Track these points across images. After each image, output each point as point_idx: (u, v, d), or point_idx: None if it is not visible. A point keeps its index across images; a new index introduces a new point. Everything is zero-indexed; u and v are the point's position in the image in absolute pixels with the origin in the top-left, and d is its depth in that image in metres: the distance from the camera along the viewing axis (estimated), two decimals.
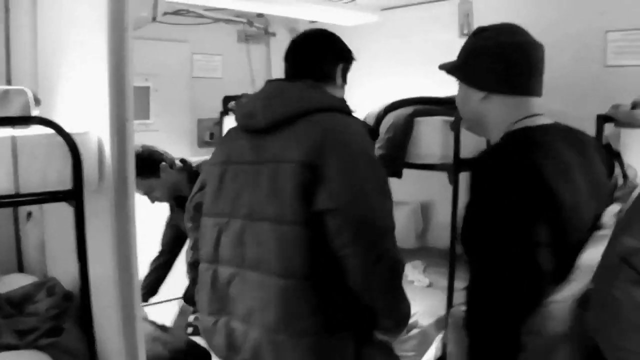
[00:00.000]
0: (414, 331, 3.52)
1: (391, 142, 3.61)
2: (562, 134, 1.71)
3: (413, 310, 2.27)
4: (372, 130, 3.12)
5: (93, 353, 2.08)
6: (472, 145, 3.35)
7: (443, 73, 1.95)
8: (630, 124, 3.16)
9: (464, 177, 3.40)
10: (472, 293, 1.63)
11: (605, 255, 1.41)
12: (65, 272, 2.51)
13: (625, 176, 1.67)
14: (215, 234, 2.20)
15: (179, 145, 4.86)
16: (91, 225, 2.00)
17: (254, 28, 5.89)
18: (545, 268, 1.51)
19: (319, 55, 2.30)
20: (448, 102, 3.28)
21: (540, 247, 1.52)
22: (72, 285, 2.42)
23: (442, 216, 4.50)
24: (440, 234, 4.72)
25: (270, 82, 2.30)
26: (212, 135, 5.53)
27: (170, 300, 5.25)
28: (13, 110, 2.11)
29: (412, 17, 4.93)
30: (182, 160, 3.46)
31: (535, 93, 1.79)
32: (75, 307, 2.35)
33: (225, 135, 2.44)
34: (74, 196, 1.95)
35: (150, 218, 4.13)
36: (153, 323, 3.38)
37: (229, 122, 5.25)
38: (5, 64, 2.83)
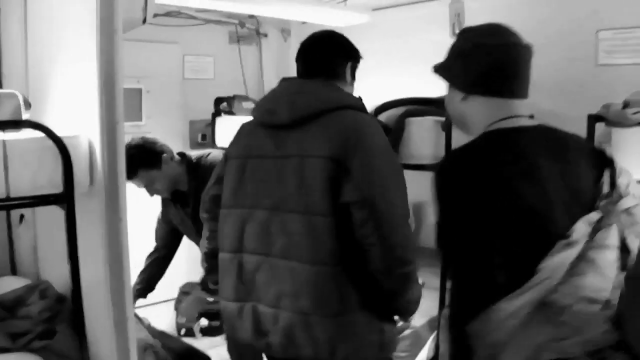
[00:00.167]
0: (407, 332, 3.53)
1: None
2: (539, 137, 1.68)
3: None
4: (384, 127, 3.18)
5: (85, 356, 2.08)
6: None
7: (434, 73, 1.97)
8: (621, 123, 3.17)
9: None
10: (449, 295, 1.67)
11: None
12: (58, 275, 2.51)
13: (613, 184, 1.60)
14: (239, 225, 2.35)
15: (171, 147, 4.84)
16: (82, 228, 2.00)
17: (245, 29, 5.89)
18: (499, 271, 1.50)
19: (330, 55, 2.47)
20: (439, 102, 3.27)
21: (495, 250, 1.50)
22: (64, 288, 2.42)
23: (434, 216, 4.51)
24: (433, 234, 4.72)
25: (286, 80, 2.47)
26: (204, 137, 5.53)
27: (165, 301, 5.27)
28: (3, 114, 2.10)
29: (403, 17, 4.93)
30: (181, 154, 3.45)
31: (516, 95, 1.74)
32: (68, 309, 2.34)
33: (240, 130, 2.54)
34: (65, 199, 1.95)
35: (142, 215, 4.14)
36: (149, 327, 3.37)
37: (221, 123, 5.25)
38: None
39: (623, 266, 1.47)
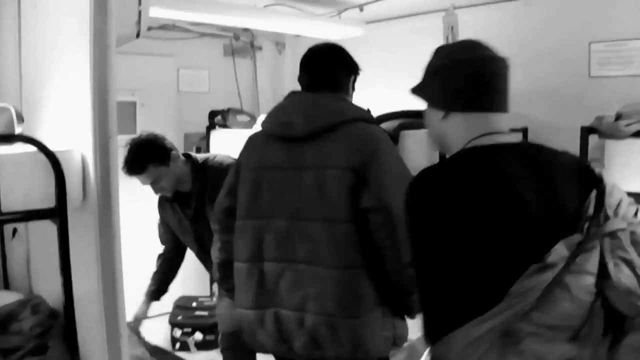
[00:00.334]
0: (403, 345, 3.51)
1: None
2: (519, 155, 1.61)
3: None
4: (390, 136, 3.24)
5: None
6: None
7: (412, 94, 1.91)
8: (614, 135, 3.17)
9: None
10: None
11: None
12: (50, 290, 2.49)
13: (599, 205, 1.50)
14: (257, 235, 2.44)
15: None
16: (75, 243, 1.99)
17: (240, 42, 5.91)
18: (468, 294, 1.44)
19: (335, 68, 2.58)
20: None
21: (464, 272, 1.45)
22: (57, 303, 2.40)
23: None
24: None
25: (296, 94, 2.59)
26: (198, 150, 5.52)
27: (159, 315, 5.25)
28: None
29: (397, 30, 4.96)
30: (186, 155, 3.42)
31: (497, 108, 1.70)
32: (61, 325, 2.32)
33: (250, 142, 2.63)
34: (58, 214, 1.94)
35: (137, 230, 4.12)
36: (145, 344, 3.35)
37: (216, 136, 5.25)
38: None
39: (599, 292, 1.39)
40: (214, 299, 4.01)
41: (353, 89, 2.64)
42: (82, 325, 2.10)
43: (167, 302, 5.10)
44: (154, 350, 3.26)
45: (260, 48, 6.18)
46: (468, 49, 1.73)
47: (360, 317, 2.32)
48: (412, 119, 3.79)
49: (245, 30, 5.79)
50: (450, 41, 4.48)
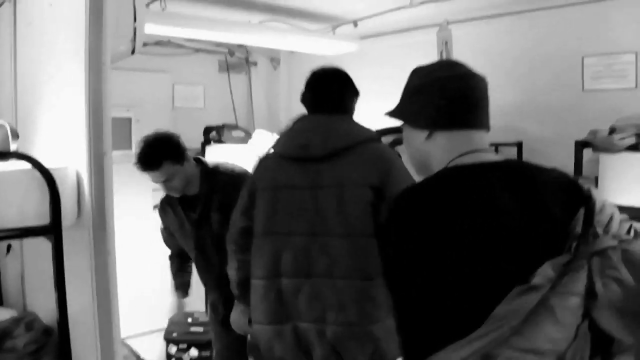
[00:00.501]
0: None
1: None
2: (503, 174, 1.54)
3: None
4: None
5: None
6: None
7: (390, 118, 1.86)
8: (608, 149, 3.18)
9: None
10: None
11: None
12: (45, 306, 2.49)
13: (588, 223, 1.43)
14: (274, 252, 2.52)
15: None
16: (70, 260, 1.98)
17: (235, 58, 5.92)
18: (448, 318, 1.38)
19: (344, 92, 2.69)
20: None
21: (444, 294, 1.39)
22: (51, 319, 2.40)
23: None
24: None
25: (308, 117, 2.66)
26: None
27: (154, 331, 5.24)
28: None
29: (391, 45, 4.98)
30: (196, 159, 3.40)
31: (480, 125, 1.65)
32: (55, 342, 2.32)
33: (263, 164, 2.70)
34: (52, 231, 1.94)
35: (131, 246, 4.12)
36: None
37: (211, 151, 5.25)
38: None
39: (586, 314, 1.32)
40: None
41: (354, 110, 2.75)
42: (76, 342, 2.09)
43: (162, 318, 5.09)
44: None
45: (255, 64, 6.19)
46: (447, 67, 1.71)
47: (378, 322, 2.41)
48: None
49: (240, 46, 5.80)
50: (445, 56, 4.50)
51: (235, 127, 5.65)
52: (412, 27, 4.85)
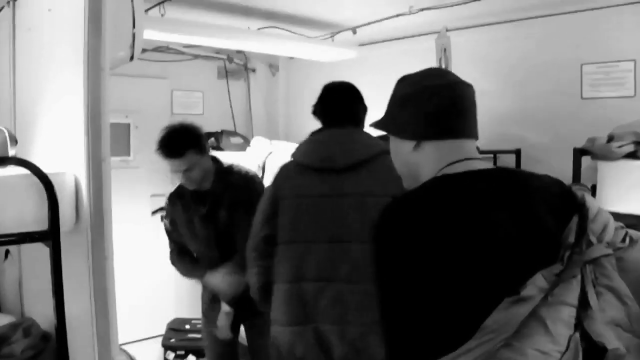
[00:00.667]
0: None
1: None
2: (494, 182, 1.51)
3: None
4: None
5: None
6: None
7: (375, 129, 1.85)
8: (606, 156, 3.18)
9: None
10: None
11: None
12: (43, 312, 2.48)
13: (581, 231, 1.40)
14: (298, 257, 2.62)
15: (159, 182, 4.84)
16: (68, 265, 1.98)
17: (234, 64, 5.92)
18: (437, 330, 1.34)
19: (357, 106, 2.84)
20: None
21: (433, 306, 1.35)
22: (49, 325, 2.39)
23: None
24: None
25: (328, 130, 2.77)
26: None
27: (152, 337, 5.23)
28: None
29: (389, 52, 4.98)
30: (212, 157, 3.40)
31: (468, 134, 1.61)
32: (52, 348, 2.31)
33: (284, 174, 2.80)
34: (51, 237, 1.94)
35: (129, 252, 4.11)
36: None
37: None
38: None
39: (578, 324, 1.28)
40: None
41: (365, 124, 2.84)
42: (74, 347, 2.09)
43: (160, 325, 5.09)
44: None
45: (254, 70, 6.19)
46: (434, 76, 1.66)
47: None
48: None
49: (239, 52, 5.80)
50: (443, 63, 4.51)
51: (234, 133, 5.65)
52: (410, 35, 4.85)
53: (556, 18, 3.96)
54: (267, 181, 4.71)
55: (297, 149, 2.84)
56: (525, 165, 3.84)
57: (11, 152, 2.18)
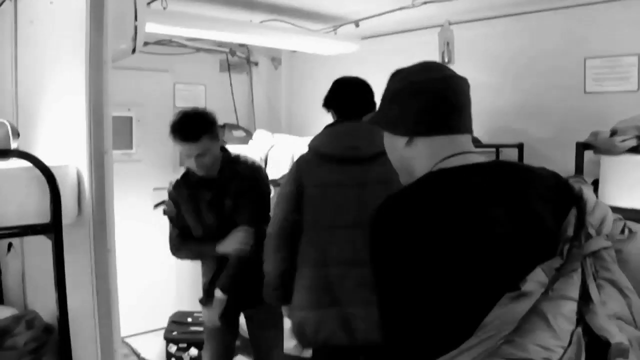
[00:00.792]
0: None
1: None
2: (491, 175, 1.49)
3: None
4: None
5: None
6: None
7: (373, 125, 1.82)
8: (609, 151, 3.17)
9: None
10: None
11: None
12: (45, 305, 2.49)
13: (580, 224, 1.38)
14: (323, 243, 2.78)
15: (161, 175, 4.84)
16: (70, 258, 1.98)
17: (236, 58, 5.91)
18: (437, 328, 1.32)
19: (371, 100, 2.98)
20: None
21: (433, 304, 1.33)
22: (52, 318, 2.40)
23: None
24: None
25: (348, 123, 2.92)
26: None
27: (154, 330, 5.24)
28: None
29: (392, 46, 4.97)
30: (221, 147, 3.40)
31: (462, 130, 1.58)
32: (55, 340, 2.32)
33: (305, 164, 2.94)
34: (53, 229, 1.94)
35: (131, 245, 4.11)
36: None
37: None
38: None
39: (580, 319, 1.26)
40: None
41: None
42: (76, 340, 2.09)
43: (162, 318, 5.10)
44: None
45: (256, 63, 6.19)
46: (426, 70, 1.63)
47: None
48: None
49: (242, 45, 5.79)
50: (446, 57, 4.50)
51: (236, 126, 5.65)
52: (413, 28, 4.84)
53: (561, 12, 3.95)
54: (270, 174, 4.73)
55: (316, 140, 2.98)
56: (528, 160, 3.84)
57: (13, 144, 2.18)
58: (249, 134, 5.51)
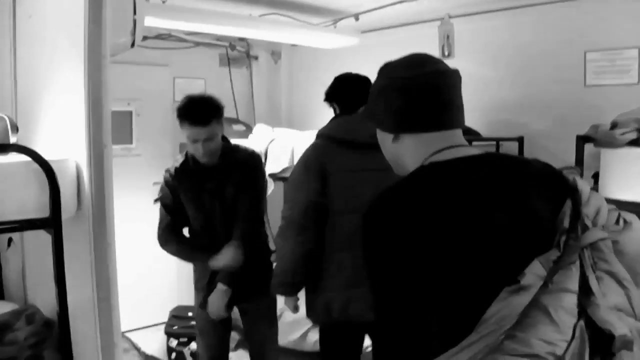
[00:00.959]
0: None
1: None
2: (484, 168, 1.47)
3: None
4: None
5: None
6: None
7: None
8: (609, 144, 3.17)
9: None
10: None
11: None
12: (45, 299, 2.49)
13: (576, 215, 1.36)
14: (349, 226, 2.85)
15: (161, 170, 4.82)
16: (70, 252, 1.98)
17: (236, 52, 5.90)
18: (435, 325, 1.31)
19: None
20: None
21: (430, 300, 1.30)
22: (52, 312, 2.40)
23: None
24: None
25: (353, 115, 3.04)
26: None
27: (155, 325, 5.24)
28: None
29: (392, 39, 4.96)
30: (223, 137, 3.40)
31: (449, 125, 1.55)
32: (55, 335, 2.32)
33: (324, 150, 3.04)
34: (52, 224, 1.93)
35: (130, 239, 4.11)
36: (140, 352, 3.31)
37: None
38: None
39: (582, 312, 1.24)
40: None
41: None
42: (76, 334, 2.09)
43: (163, 312, 5.10)
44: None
45: (256, 57, 6.18)
46: (412, 65, 1.58)
47: None
48: None
49: (241, 39, 5.78)
50: (446, 50, 4.50)
51: (236, 120, 5.64)
52: (413, 21, 4.84)
53: (561, 5, 3.95)
54: (270, 168, 4.72)
55: (329, 129, 3.10)
56: (528, 153, 3.83)
57: (12, 139, 2.18)
58: (248, 128, 5.51)
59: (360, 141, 2.90)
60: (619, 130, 3.13)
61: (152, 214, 3.49)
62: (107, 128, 1.99)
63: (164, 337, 4.91)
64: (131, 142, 5.30)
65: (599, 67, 3.85)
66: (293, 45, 5.77)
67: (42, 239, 2.08)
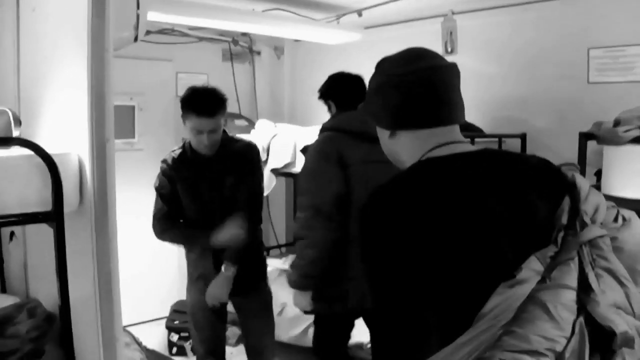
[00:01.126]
0: None
1: None
2: (482, 164, 1.46)
3: None
4: None
5: None
6: None
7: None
8: (612, 141, 3.16)
9: None
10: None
11: None
12: (47, 293, 2.49)
13: (574, 212, 1.35)
14: None
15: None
16: (72, 246, 1.98)
17: (239, 47, 5.90)
18: (432, 322, 1.30)
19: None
20: None
21: (427, 297, 1.29)
22: (54, 306, 2.40)
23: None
24: None
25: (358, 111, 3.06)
26: None
27: (156, 319, 5.25)
28: None
29: (395, 35, 4.95)
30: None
31: (446, 122, 1.54)
32: (57, 329, 2.32)
33: (336, 142, 3.12)
34: (54, 218, 1.94)
35: (132, 233, 4.11)
36: (142, 347, 3.31)
37: None
38: None
39: (581, 308, 1.23)
40: None
41: None
42: (78, 328, 2.09)
43: (164, 307, 5.11)
44: (151, 354, 3.23)
45: (258, 53, 6.18)
46: (409, 61, 1.57)
47: None
48: None
49: (244, 35, 5.79)
50: (449, 47, 4.49)
51: (239, 116, 5.64)
52: (416, 17, 4.83)
53: (564, 2, 3.95)
54: (272, 163, 4.72)
55: (341, 120, 3.17)
56: (531, 150, 3.83)
57: (15, 132, 2.18)
58: (251, 124, 5.51)
59: (371, 133, 2.90)
60: (622, 127, 3.12)
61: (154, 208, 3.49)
62: (110, 122, 1.98)
63: (165, 331, 4.92)
64: (133, 137, 5.31)
65: (602, 64, 3.85)
66: (296, 40, 5.76)
67: (44, 233, 2.08)
